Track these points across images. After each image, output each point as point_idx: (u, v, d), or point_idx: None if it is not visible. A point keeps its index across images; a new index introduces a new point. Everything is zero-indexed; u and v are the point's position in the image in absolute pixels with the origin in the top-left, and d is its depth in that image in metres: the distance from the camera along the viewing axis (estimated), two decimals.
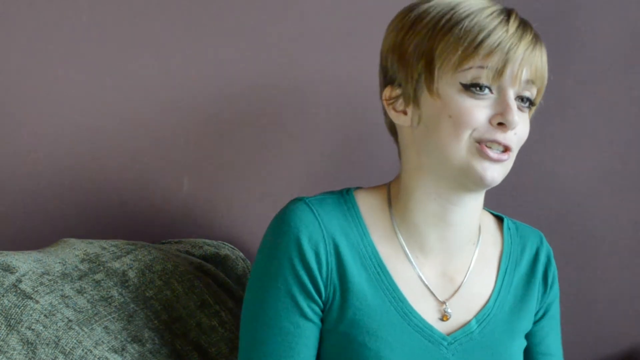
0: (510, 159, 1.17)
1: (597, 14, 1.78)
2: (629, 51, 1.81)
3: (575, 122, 1.79)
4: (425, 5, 1.19)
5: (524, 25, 1.17)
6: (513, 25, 1.15)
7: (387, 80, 1.22)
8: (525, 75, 1.15)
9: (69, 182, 1.48)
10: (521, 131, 1.17)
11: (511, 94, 1.15)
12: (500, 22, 1.15)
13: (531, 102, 1.19)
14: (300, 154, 1.64)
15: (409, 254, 1.22)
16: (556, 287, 1.34)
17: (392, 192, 1.25)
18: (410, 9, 1.21)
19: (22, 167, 1.45)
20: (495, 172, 1.16)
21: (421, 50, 1.16)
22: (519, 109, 1.17)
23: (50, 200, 1.47)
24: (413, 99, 1.18)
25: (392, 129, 1.26)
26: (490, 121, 1.15)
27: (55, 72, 1.46)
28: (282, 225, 1.19)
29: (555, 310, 1.34)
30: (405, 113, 1.20)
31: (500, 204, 1.49)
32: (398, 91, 1.20)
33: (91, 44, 1.47)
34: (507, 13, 1.17)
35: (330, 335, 1.19)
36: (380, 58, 1.24)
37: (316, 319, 1.19)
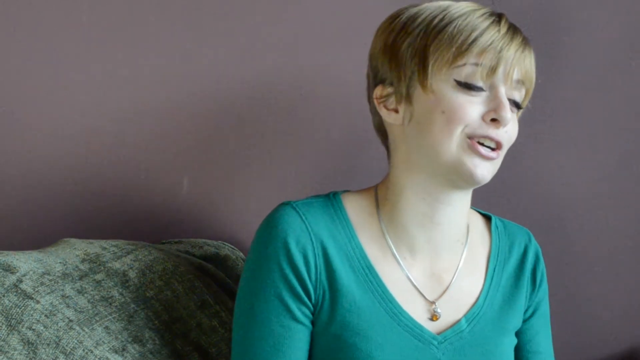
0: (499, 158, 1.19)
1: (590, 15, 1.78)
2: (624, 53, 1.81)
3: (568, 124, 1.79)
4: (415, 9, 1.22)
5: (514, 28, 1.20)
6: (504, 27, 1.18)
7: (377, 81, 1.24)
8: (516, 74, 1.18)
9: (69, 182, 1.48)
10: (511, 130, 1.19)
11: (503, 91, 1.17)
12: (492, 22, 1.18)
13: (519, 105, 1.21)
14: (301, 155, 1.64)
15: (397, 255, 1.23)
16: (545, 285, 1.34)
17: (380, 193, 1.26)
18: (399, 12, 1.23)
19: (23, 167, 1.45)
20: (485, 169, 1.17)
21: (414, 49, 1.18)
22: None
23: (50, 200, 1.47)
24: (405, 97, 1.19)
25: (381, 129, 1.27)
26: (483, 118, 1.17)
27: (55, 72, 1.45)
28: (269, 230, 1.20)
29: (545, 309, 1.35)
30: (396, 111, 1.21)
31: (493, 205, 1.50)
32: (389, 90, 1.21)
33: (91, 44, 1.47)
34: (498, 16, 1.20)
35: (320, 337, 1.19)
36: (370, 60, 1.26)
37: (307, 322, 1.19)
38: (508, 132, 1.18)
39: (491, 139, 1.17)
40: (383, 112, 1.23)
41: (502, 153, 1.20)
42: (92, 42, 1.47)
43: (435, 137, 1.17)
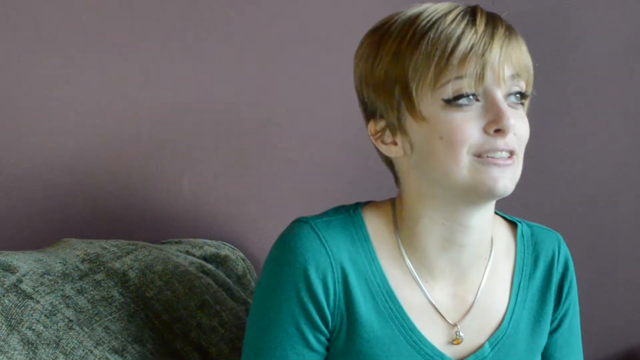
0: (518, 163, 1.09)
1: (591, 14, 1.78)
2: (626, 50, 1.81)
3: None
4: (387, 25, 1.12)
5: (492, 20, 1.09)
6: (481, 24, 1.07)
7: (368, 114, 1.15)
8: (507, 71, 1.07)
9: (69, 182, 1.48)
10: (520, 131, 1.09)
11: (499, 95, 1.07)
12: (467, 24, 1.07)
13: (523, 96, 1.11)
14: (300, 155, 1.64)
15: (419, 279, 1.15)
16: (573, 295, 1.25)
17: (397, 213, 1.17)
18: (372, 31, 1.14)
19: (22, 167, 1.45)
20: (507, 179, 1.07)
21: (393, 76, 1.09)
22: (512, 107, 1.08)
23: (51, 200, 1.47)
24: (399, 128, 1.11)
25: (388, 161, 1.18)
26: (485, 130, 1.06)
27: (55, 72, 1.45)
28: (287, 253, 1.12)
29: (572, 321, 1.26)
30: (395, 143, 1.13)
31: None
32: (382, 123, 1.13)
33: (91, 44, 1.47)
34: (472, 12, 1.09)
35: None
36: (356, 92, 1.17)
37: (321, 349, 1.14)
38: (517, 134, 1.08)
39: (501, 150, 1.06)
40: (382, 148, 1.14)
41: (519, 158, 1.09)
42: (92, 42, 1.47)
43: (441, 165, 1.07)
